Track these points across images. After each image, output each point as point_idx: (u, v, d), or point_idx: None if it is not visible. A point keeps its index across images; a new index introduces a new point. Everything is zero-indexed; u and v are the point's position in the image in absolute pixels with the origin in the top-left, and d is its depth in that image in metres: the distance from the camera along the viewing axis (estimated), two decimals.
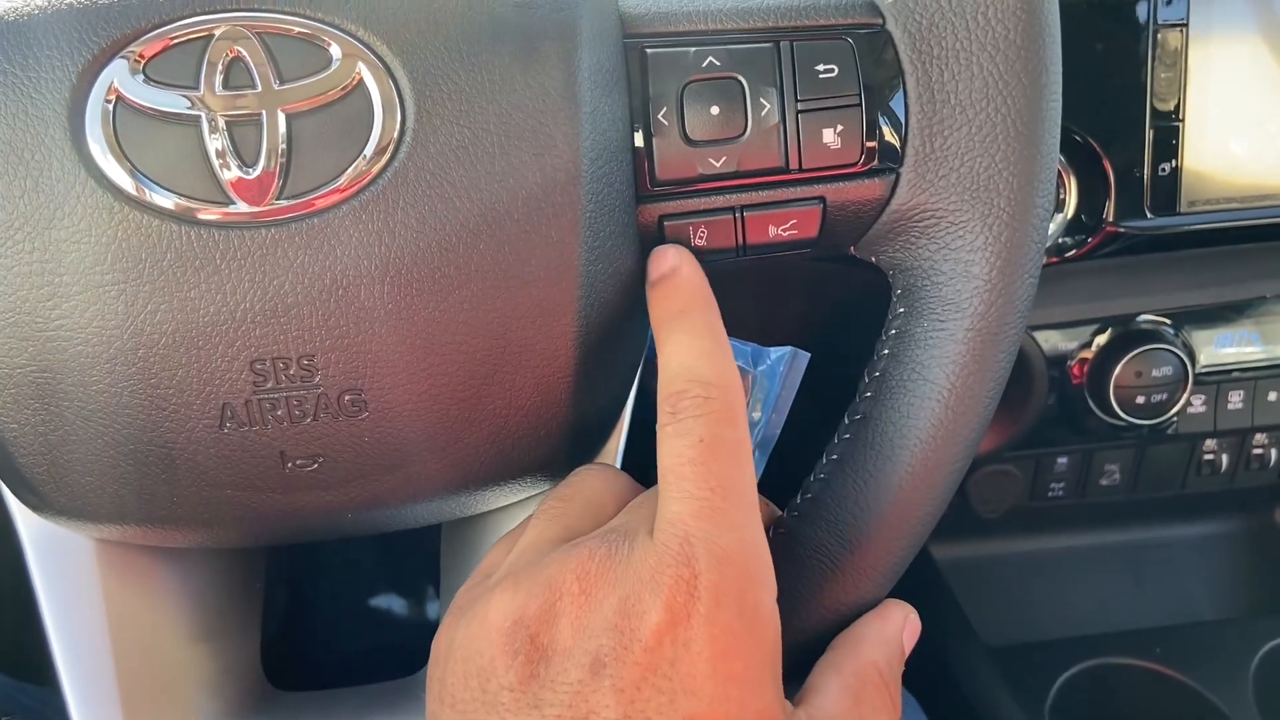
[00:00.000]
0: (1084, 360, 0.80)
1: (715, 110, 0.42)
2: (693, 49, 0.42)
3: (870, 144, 0.43)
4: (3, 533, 0.51)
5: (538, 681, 0.39)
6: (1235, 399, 0.83)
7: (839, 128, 0.43)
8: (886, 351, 0.45)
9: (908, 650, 0.46)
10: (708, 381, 0.41)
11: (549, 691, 0.38)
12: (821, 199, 0.44)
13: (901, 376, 0.45)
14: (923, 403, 0.44)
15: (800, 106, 0.43)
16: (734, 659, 0.38)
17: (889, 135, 0.43)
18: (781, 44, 0.42)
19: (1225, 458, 0.85)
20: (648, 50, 0.42)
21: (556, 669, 0.39)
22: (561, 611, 0.40)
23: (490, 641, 0.40)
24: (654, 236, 0.44)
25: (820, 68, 0.43)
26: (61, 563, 0.51)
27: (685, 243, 0.44)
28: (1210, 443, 0.85)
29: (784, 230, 0.44)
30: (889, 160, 0.43)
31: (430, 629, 0.43)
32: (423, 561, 0.76)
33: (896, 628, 0.46)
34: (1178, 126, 0.72)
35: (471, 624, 0.41)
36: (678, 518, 0.39)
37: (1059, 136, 0.44)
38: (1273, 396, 0.84)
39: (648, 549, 0.39)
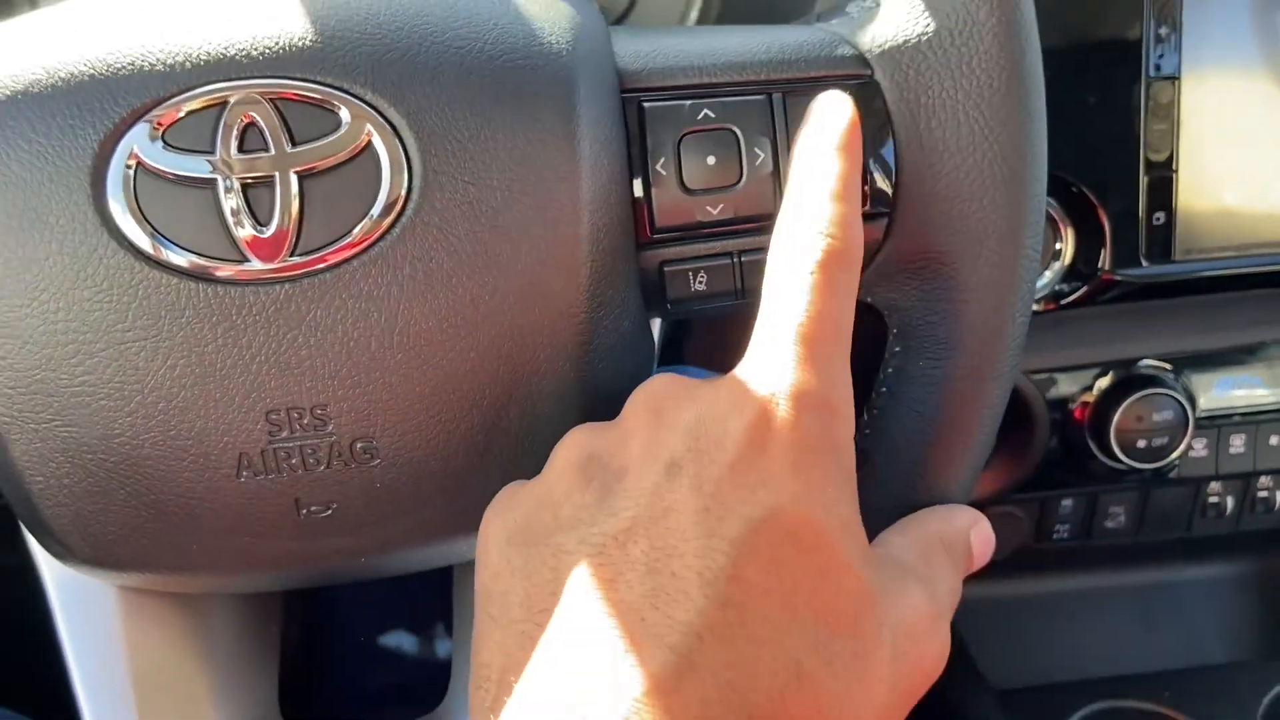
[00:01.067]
0: (1085, 404, 0.81)
1: (711, 160, 0.43)
2: (688, 102, 0.43)
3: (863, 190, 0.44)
4: (28, 578, 0.53)
5: (613, 494, 0.37)
6: (1237, 443, 0.83)
7: None
8: (884, 389, 0.46)
9: (977, 558, 0.44)
10: (831, 221, 0.39)
11: (624, 499, 0.37)
12: None
13: (898, 413, 0.46)
14: (919, 439, 0.45)
15: None
16: (816, 467, 0.36)
17: (880, 181, 0.44)
18: (774, 95, 0.44)
19: (1230, 501, 0.85)
20: (645, 104, 0.43)
21: (632, 480, 0.37)
22: (634, 435, 0.39)
23: (562, 478, 0.39)
24: (655, 283, 0.45)
25: None
26: (85, 608, 0.52)
27: (685, 288, 0.45)
28: (1215, 486, 0.85)
29: None
30: (881, 205, 0.44)
31: (443, 668, 0.44)
32: (436, 602, 0.77)
33: (964, 523, 0.44)
34: (1171, 176, 0.72)
35: (535, 483, 0.40)
36: (772, 339, 0.38)
37: (1045, 180, 0.45)
38: (1274, 440, 0.84)
39: (728, 377, 0.38)
